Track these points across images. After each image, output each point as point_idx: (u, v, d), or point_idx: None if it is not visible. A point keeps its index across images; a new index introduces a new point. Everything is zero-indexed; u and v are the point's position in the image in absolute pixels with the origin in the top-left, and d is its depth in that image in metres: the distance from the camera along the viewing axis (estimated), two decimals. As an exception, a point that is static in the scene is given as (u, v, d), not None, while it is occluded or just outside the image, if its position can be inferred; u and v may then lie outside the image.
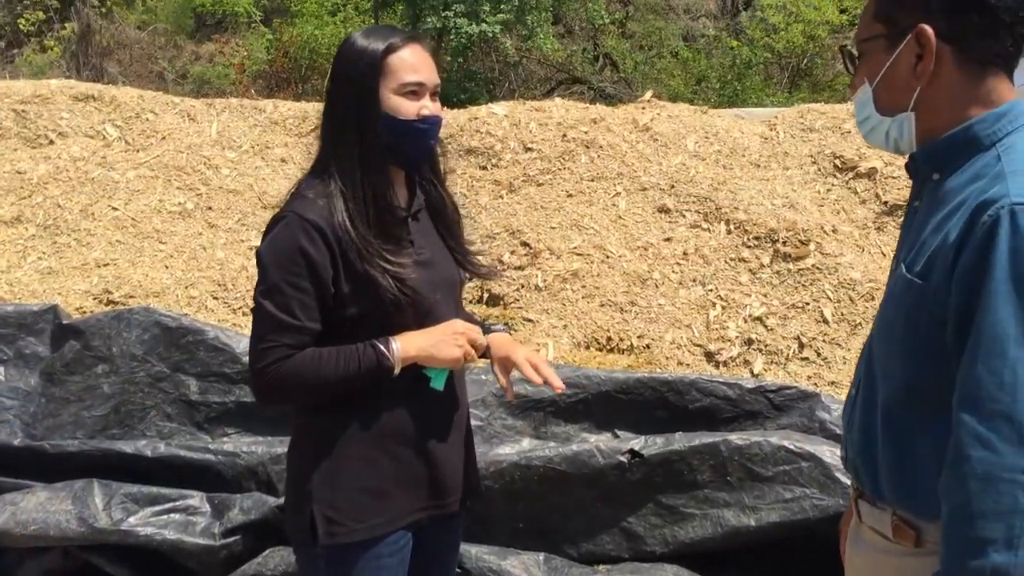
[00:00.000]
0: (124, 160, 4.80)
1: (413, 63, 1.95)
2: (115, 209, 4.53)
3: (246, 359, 3.67)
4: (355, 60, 1.94)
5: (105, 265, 4.27)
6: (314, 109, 5.29)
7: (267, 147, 4.98)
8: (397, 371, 1.94)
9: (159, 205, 4.56)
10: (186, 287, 4.19)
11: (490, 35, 13.74)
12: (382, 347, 1.92)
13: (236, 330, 3.90)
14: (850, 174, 4.70)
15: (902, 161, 4.57)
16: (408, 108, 1.95)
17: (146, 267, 4.27)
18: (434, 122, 2.00)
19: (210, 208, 4.59)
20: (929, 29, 1.44)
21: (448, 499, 2.11)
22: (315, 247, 1.86)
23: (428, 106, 1.98)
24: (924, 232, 1.47)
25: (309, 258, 1.86)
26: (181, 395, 3.68)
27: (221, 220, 4.55)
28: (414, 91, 1.95)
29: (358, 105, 1.93)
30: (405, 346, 1.94)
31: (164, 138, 4.92)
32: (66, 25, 16.78)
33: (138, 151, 4.87)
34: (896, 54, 1.48)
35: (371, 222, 1.93)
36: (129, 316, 3.73)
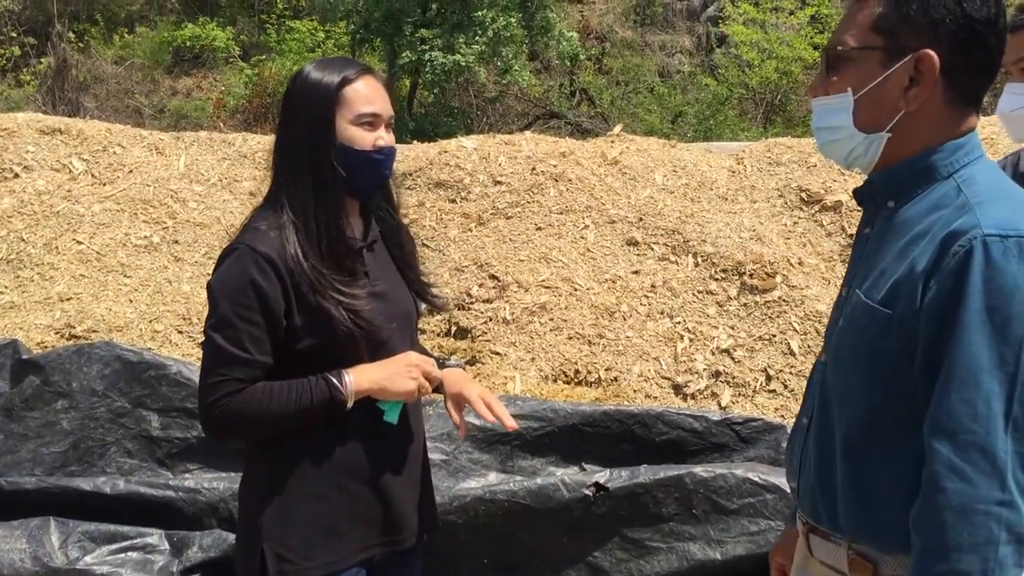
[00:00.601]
0: (90, 194, 4.78)
1: (368, 94, 1.95)
2: (80, 243, 4.49)
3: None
4: (310, 91, 1.93)
5: (68, 299, 4.23)
6: (284, 143, 5.29)
7: (235, 180, 4.97)
8: (350, 404, 1.91)
9: (124, 239, 4.53)
10: (150, 321, 4.15)
11: (464, 65, 13.84)
12: (335, 380, 1.89)
13: (200, 364, 3.85)
14: (816, 207, 4.73)
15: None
16: (364, 139, 1.94)
17: (110, 301, 4.23)
18: (389, 153, 2.00)
19: (176, 242, 4.56)
20: (935, 56, 1.40)
21: (402, 535, 2.07)
22: (267, 280, 1.84)
23: (383, 137, 1.98)
24: (883, 260, 1.46)
25: (260, 291, 1.84)
26: (142, 431, 3.63)
27: (187, 254, 4.52)
28: (370, 122, 1.95)
29: (312, 136, 1.92)
30: (358, 379, 1.91)
31: (131, 171, 4.90)
32: (42, 60, 16.77)
33: (104, 184, 4.84)
34: (890, 72, 1.44)
35: (324, 254, 1.91)
36: (90, 351, 3.68)
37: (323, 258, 1.91)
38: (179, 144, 5.13)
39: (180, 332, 4.15)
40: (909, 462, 1.40)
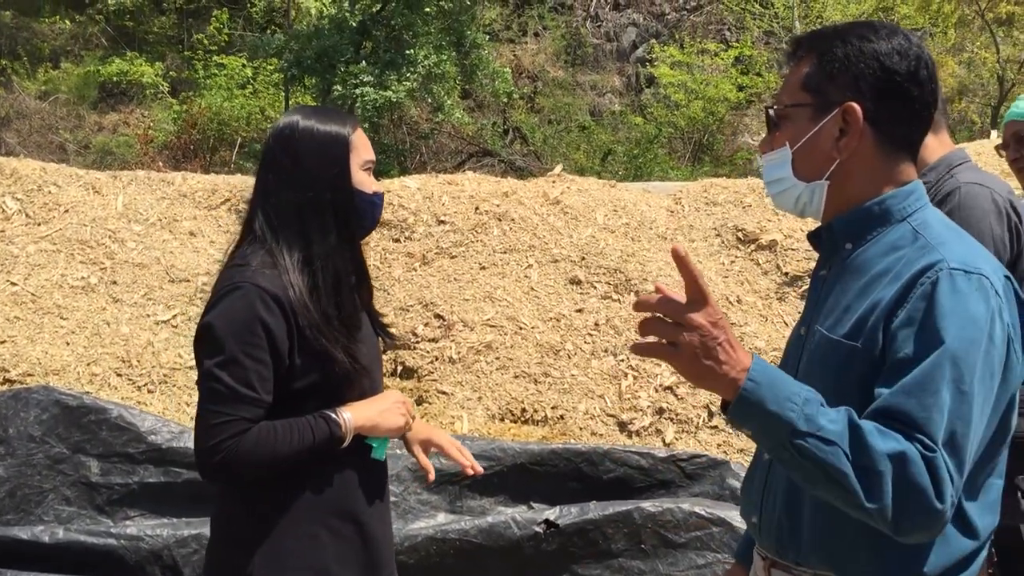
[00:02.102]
0: (24, 234, 4.67)
1: (367, 142, 2.03)
2: (13, 284, 4.39)
3: (151, 438, 3.59)
4: (323, 141, 1.96)
5: (2, 342, 4.11)
6: (224, 182, 5.25)
7: (175, 220, 4.91)
8: (348, 441, 1.92)
9: (61, 280, 4.43)
10: (88, 364, 4.06)
11: (395, 100, 13.92)
12: (333, 417, 1.90)
13: (140, 408, 3.78)
14: (752, 246, 4.87)
15: (799, 233, 4.77)
16: (368, 183, 2.01)
17: (46, 344, 4.13)
18: (382, 197, 2.08)
19: (115, 282, 4.48)
20: (858, 108, 1.52)
21: (382, 574, 2.08)
22: (273, 317, 1.84)
23: (376, 182, 2.06)
24: (845, 298, 1.55)
25: (268, 329, 1.83)
26: (81, 477, 3.54)
27: (126, 295, 4.44)
28: (369, 168, 2.03)
29: (335, 183, 1.96)
30: (355, 416, 1.93)
31: (67, 211, 4.81)
32: (-38, 94, 16.34)
33: (39, 224, 4.74)
34: (821, 125, 1.56)
35: (342, 299, 1.94)
36: (27, 396, 3.59)
37: (337, 301, 1.93)
38: (116, 183, 5.05)
39: (119, 375, 4.07)
40: None
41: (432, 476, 2.12)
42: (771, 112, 1.64)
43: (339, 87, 14.11)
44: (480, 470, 2.07)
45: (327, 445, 1.89)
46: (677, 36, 19.14)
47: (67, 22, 19.04)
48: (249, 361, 1.82)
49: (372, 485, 2.03)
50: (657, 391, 4.17)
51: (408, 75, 14.10)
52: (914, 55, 1.54)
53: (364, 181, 2.01)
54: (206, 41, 18.06)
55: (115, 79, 17.64)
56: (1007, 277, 1.50)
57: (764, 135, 1.69)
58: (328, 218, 1.95)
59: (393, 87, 13.98)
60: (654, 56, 18.25)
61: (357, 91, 13.92)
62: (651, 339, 1.33)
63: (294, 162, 1.96)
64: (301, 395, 1.90)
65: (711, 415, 4.08)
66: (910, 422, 1.37)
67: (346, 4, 15.05)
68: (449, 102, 15.07)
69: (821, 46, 1.58)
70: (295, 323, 1.87)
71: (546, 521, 3.35)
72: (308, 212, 1.94)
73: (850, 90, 1.53)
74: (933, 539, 1.43)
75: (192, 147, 15.92)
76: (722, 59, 17.75)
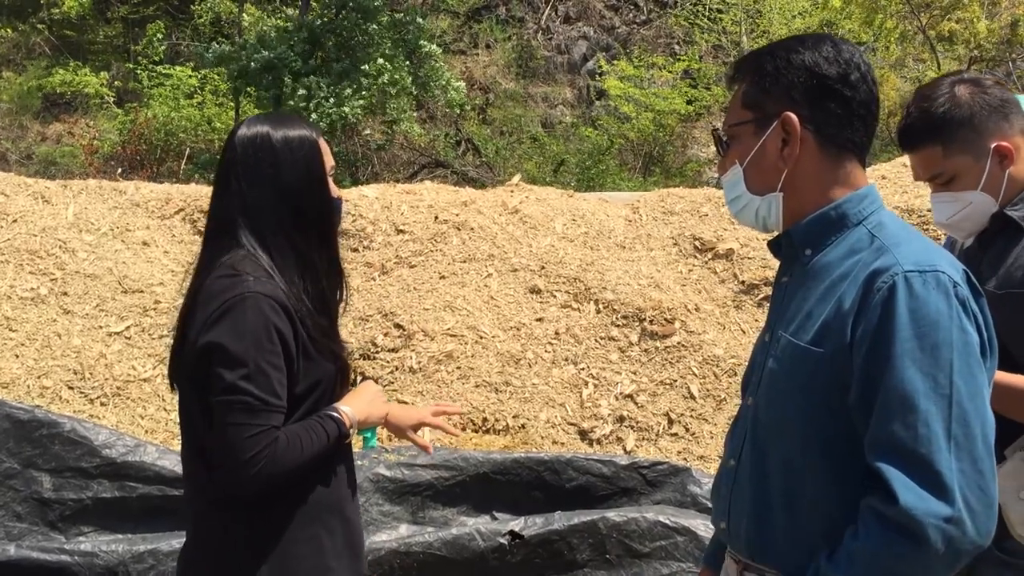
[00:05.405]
0: (-30, 244, 4.55)
1: (327, 148, 2.03)
2: (-41, 295, 4.27)
3: (105, 452, 3.51)
4: (301, 148, 1.96)
5: (-52, 355, 4.00)
6: (177, 191, 5.17)
7: (127, 230, 4.82)
8: (352, 437, 1.94)
9: (9, 291, 4.32)
10: (38, 377, 3.96)
11: (351, 117, 13.81)
12: (337, 415, 1.92)
13: (94, 421, 3.70)
14: (709, 255, 4.92)
15: (755, 242, 4.84)
16: (334, 187, 2.01)
17: (-6, 356, 4.02)
18: (342, 202, 2.08)
19: (65, 293, 4.38)
20: (794, 116, 1.57)
21: (365, 566, 2.09)
22: (283, 324, 1.84)
23: (336, 188, 2.06)
24: (807, 303, 1.57)
25: (282, 335, 1.83)
26: (33, 492, 3.45)
27: (77, 306, 4.35)
28: (332, 173, 2.02)
29: (318, 189, 1.95)
30: (354, 411, 1.95)
31: (15, 221, 4.69)
32: (-101, 103, 15.88)
33: (-14, 234, 4.63)
34: (764, 138, 1.60)
35: (327, 300, 1.96)
36: (-25, 409, 3.48)
37: (324, 303, 1.95)
38: (67, 192, 4.95)
39: (71, 388, 3.97)
40: (852, 488, 1.48)
41: (431, 450, 2.23)
42: (720, 134, 1.70)
43: (291, 102, 13.96)
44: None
45: (337, 442, 1.91)
46: (627, 49, 19.32)
47: (9, 31, 18.64)
48: (272, 369, 1.81)
49: (350, 478, 2.05)
50: (617, 399, 4.18)
51: (364, 91, 14.00)
52: (843, 60, 1.59)
53: (331, 186, 2.02)
54: (150, 51, 17.80)
55: (59, 89, 17.30)
56: (965, 271, 1.53)
57: (719, 157, 1.73)
58: (311, 224, 1.96)
59: (349, 103, 13.87)
60: (603, 69, 18.40)
61: (312, 105, 13.78)
62: None
63: (277, 171, 1.94)
64: (299, 399, 1.90)
65: (671, 422, 4.10)
66: (900, 445, 1.40)
67: (307, 16, 14.92)
68: (406, 115, 15.03)
69: (754, 65, 1.64)
70: (298, 328, 1.88)
71: (511, 532, 3.33)
72: (293, 219, 1.94)
73: (785, 101, 1.58)
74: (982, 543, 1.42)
75: (139, 157, 15.66)
76: (670, 72, 17.94)
